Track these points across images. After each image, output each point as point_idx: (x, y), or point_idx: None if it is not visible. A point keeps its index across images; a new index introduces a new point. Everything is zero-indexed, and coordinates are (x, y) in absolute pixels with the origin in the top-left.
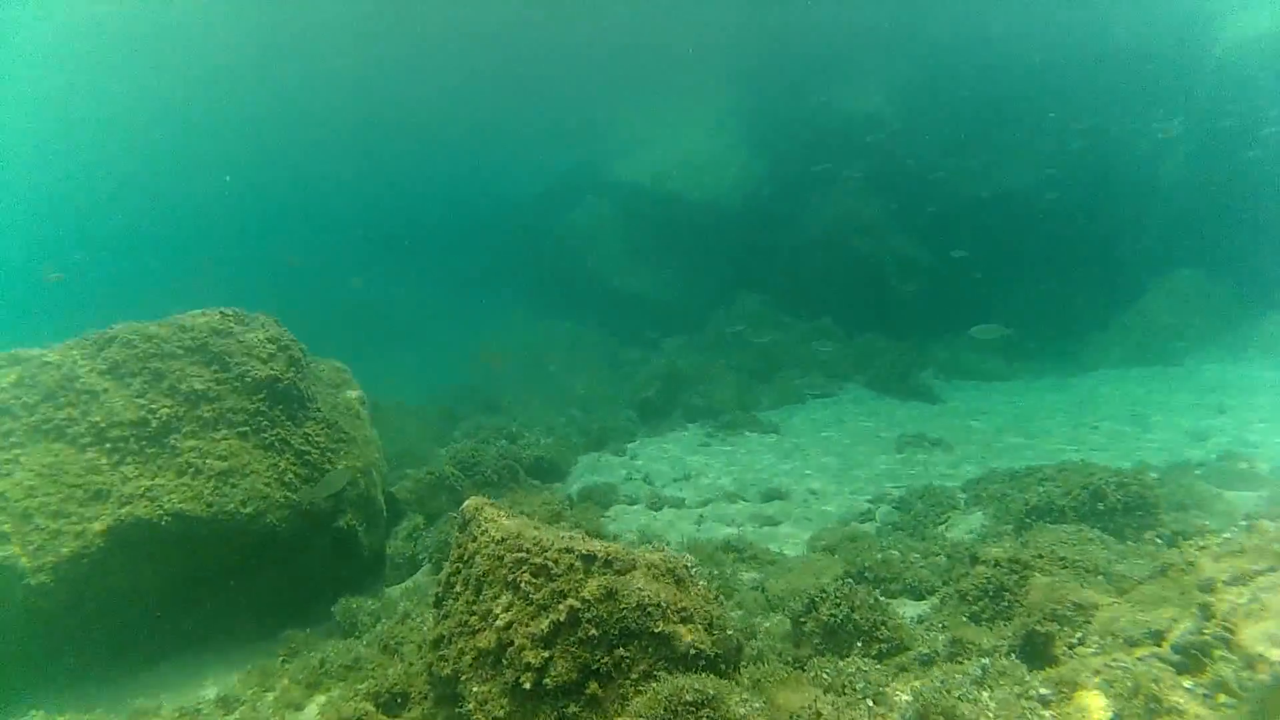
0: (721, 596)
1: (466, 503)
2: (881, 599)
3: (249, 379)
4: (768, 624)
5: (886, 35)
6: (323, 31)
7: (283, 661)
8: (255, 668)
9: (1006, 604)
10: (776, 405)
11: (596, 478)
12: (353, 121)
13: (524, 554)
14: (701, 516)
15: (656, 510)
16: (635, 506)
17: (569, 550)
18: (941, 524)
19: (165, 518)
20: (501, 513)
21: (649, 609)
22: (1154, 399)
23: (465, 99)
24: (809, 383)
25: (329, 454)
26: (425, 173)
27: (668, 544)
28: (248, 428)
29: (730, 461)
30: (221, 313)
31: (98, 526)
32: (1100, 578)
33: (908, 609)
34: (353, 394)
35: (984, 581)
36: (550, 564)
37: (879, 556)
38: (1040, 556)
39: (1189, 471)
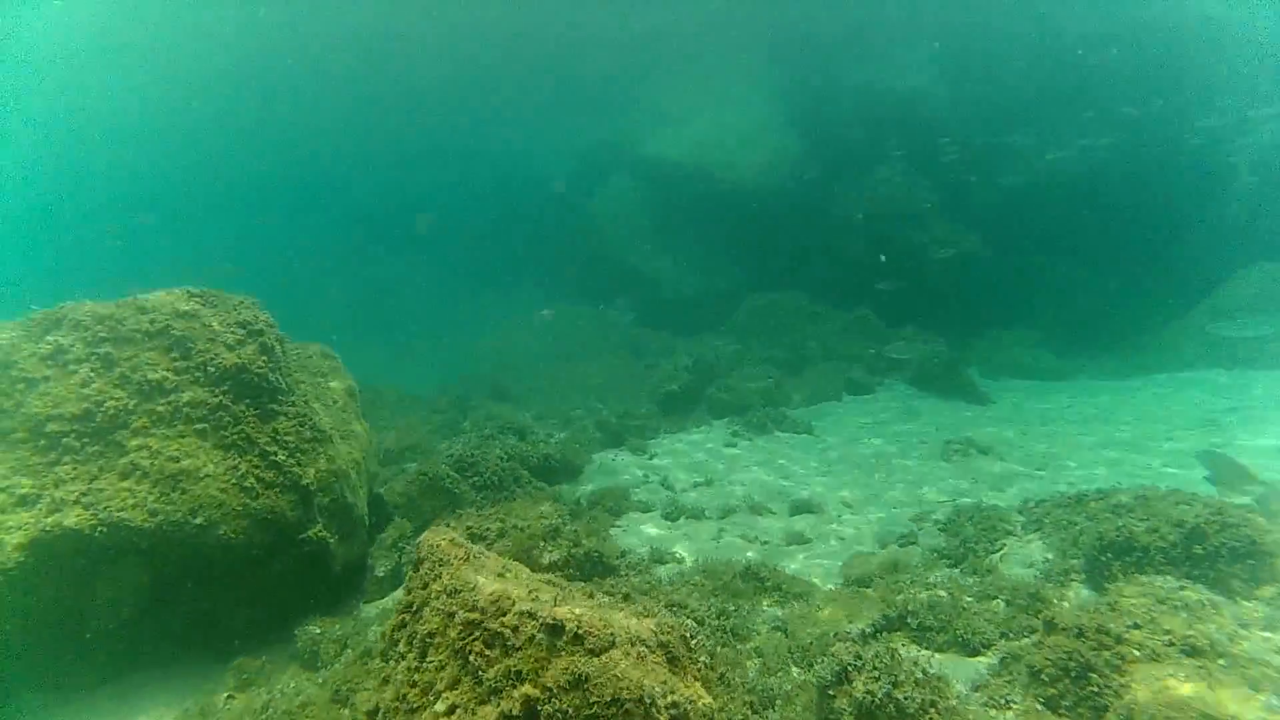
0: (728, 676)
1: (424, 535)
2: (931, 669)
3: (212, 368)
4: (788, 685)
5: (933, 7)
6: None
7: (227, 698)
8: (197, 704)
9: (1094, 691)
10: (810, 402)
11: (611, 480)
12: (368, 98)
13: (478, 614)
14: (721, 530)
15: (672, 521)
16: (650, 515)
17: (531, 616)
18: (995, 552)
19: (100, 528)
20: (462, 550)
21: (628, 707)
22: (1231, 407)
23: (485, 74)
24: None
25: (299, 454)
26: (447, 153)
27: (681, 561)
28: (207, 424)
29: (757, 465)
30: (189, 292)
31: (18, 539)
32: (1222, 662)
33: (960, 668)
34: (339, 384)
35: (1063, 656)
36: (507, 633)
37: (924, 597)
38: (1137, 626)
39: None
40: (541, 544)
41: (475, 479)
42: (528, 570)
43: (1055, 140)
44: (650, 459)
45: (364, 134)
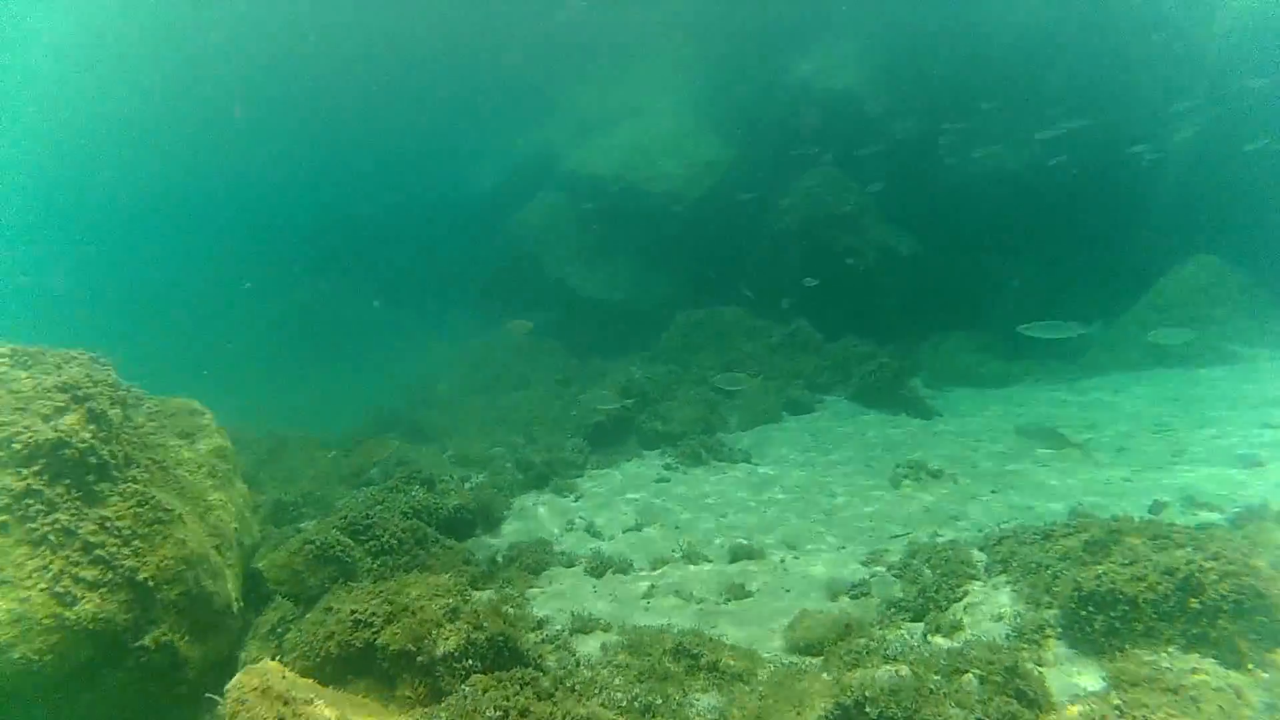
0: None
1: (236, 678)
2: None
3: (19, 445)
4: None
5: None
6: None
7: None
8: None
9: None
10: (747, 425)
11: (532, 529)
12: (284, 111)
13: None
14: (652, 587)
15: (598, 577)
16: (574, 570)
17: None
18: (958, 600)
19: None
20: (274, 708)
21: None
22: (1180, 410)
23: (407, 87)
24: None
25: (136, 542)
26: (371, 169)
27: (608, 629)
28: (9, 516)
29: (692, 502)
30: None
31: None
32: None
33: None
34: (207, 445)
35: None
36: None
37: (883, 676)
38: None
39: (1270, 522)
40: (434, 630)
41: (371, 544)
42: (378, 705)
43: (986, 138)
44: (576, 500)
45: (283, 149)
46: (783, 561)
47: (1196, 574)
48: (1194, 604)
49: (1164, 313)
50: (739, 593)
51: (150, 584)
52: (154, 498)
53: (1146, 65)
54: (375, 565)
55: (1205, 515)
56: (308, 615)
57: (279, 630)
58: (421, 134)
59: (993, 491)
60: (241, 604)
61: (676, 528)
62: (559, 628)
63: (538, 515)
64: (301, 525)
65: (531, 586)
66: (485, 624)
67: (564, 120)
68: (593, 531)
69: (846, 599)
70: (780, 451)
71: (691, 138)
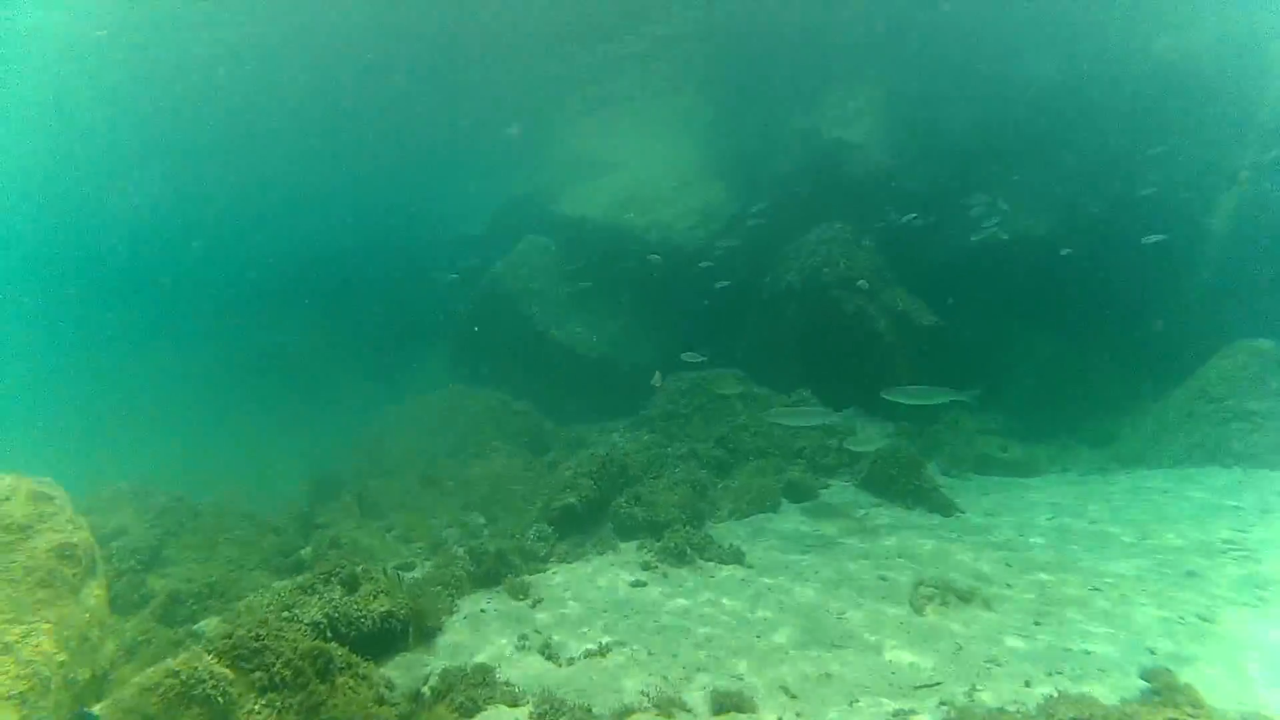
0: None
1: None
2: None
3: None
4: None
5: (880, 47)
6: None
7: None
8: None
9: None
10: (741, 515)
11: (475, 645)
12: (260, 148)
13: None
14: None
15: None
16: (518, 713)
17: None
18: None
19: None
20: None
21: None
22: (1248, 523)
23: (387, 122)
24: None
25: None
26: (345, 209)
27: None
28: None
29: (671, 618)
30: None
31: None
32: None
33: None
34: (45, 542)
35: None
36: None
37: None
38: None
39: None
40: None
41: (260, 675)
42: None
43: (1022, 202)
44: (533, 606)
45: (257, 190)
46: None
47: None
48: None
49: (1216, 403)
50: None
51: None
52: None
53: (1186, 130)
54: (260, 707)
55: None
56: None
57: None
58: (401, 176)
59: (1035, 624)
60: None
61: (650, 654)
62: None
63: (484, 625)
64: (197, 627)
65: None
66: None
67: (559, 164)
68: (548, 654)
69: None
70: (777, 550)
71: (691, 186)
